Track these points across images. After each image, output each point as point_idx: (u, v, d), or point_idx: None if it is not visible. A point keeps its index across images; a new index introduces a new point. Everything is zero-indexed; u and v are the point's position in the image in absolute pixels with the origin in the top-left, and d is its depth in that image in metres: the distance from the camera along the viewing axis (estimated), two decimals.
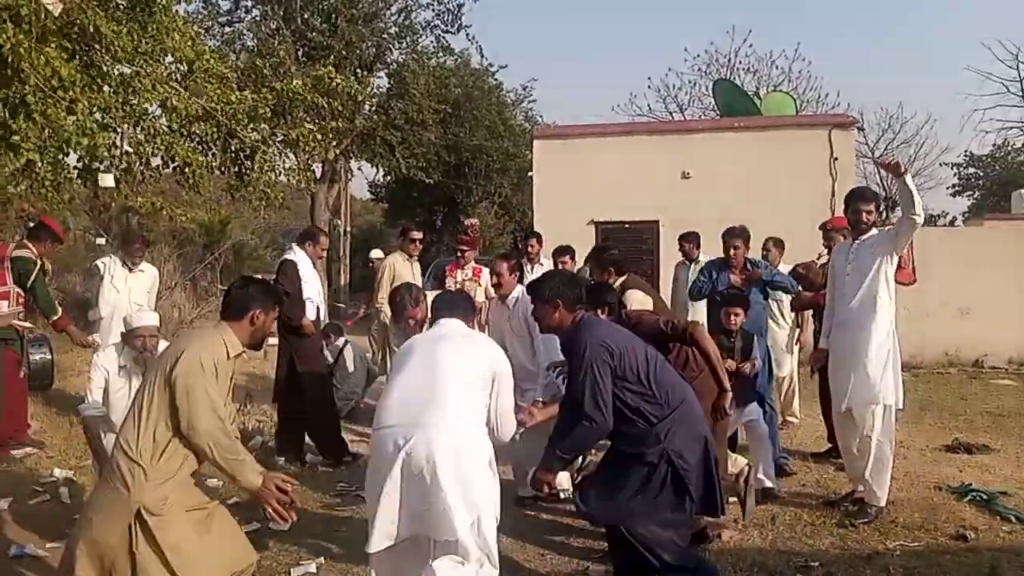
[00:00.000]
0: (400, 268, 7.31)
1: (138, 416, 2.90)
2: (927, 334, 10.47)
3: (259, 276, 3.87)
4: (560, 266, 6.88)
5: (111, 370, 4.73)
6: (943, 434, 6.87)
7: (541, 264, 7.44)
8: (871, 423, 4.57)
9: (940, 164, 27.01)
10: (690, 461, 3.36)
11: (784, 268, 6.74)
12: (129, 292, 6.94)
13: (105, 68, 7.23)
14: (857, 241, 4.73)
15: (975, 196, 29.55)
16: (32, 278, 6.03)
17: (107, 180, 7.35)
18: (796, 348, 7.29)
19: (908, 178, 4.34)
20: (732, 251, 5.73)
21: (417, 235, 7.64)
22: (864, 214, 4.71)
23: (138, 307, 6.74)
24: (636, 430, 3.39)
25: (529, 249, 7.61)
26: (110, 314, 6.80)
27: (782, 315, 7.07)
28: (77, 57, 6.95)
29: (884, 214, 17.29)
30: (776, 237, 7.37)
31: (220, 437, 2.84)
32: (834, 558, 4.12)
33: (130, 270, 7.00)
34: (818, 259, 6.87)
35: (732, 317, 5.05)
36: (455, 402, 3.11)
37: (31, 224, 7.39)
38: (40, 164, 6.43)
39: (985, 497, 4.91)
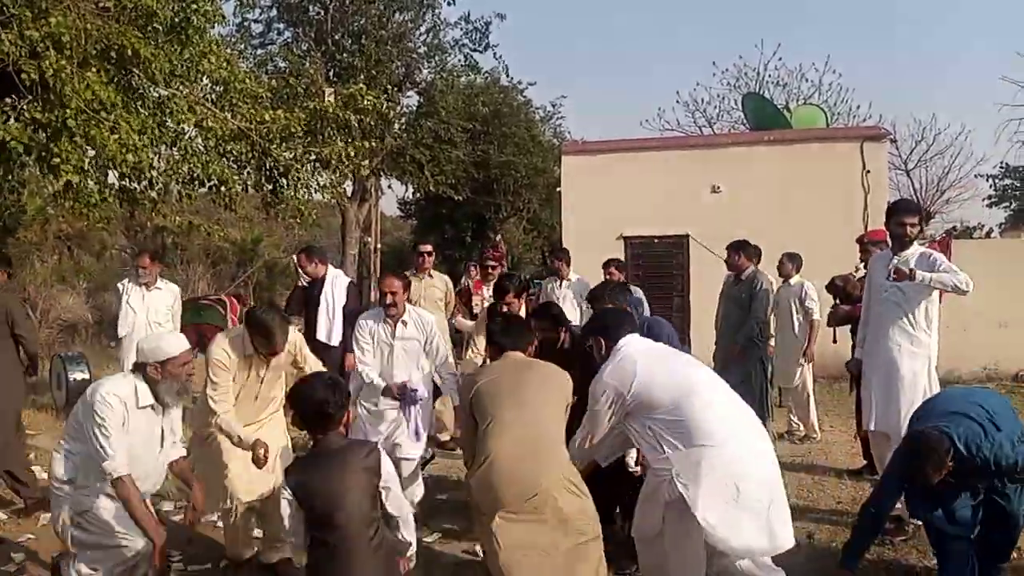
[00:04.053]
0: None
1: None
2: (965, 347, 10.24)
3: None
4: (609, 277, 6.78)
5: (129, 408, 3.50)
6: None
7: (569, 281, 7.43)
8: None
9: (976, 175, 26.50)
10: None
11: (818, 282, 6.72)
12: (147, 312, 6.81)
13: (142, 91, 7.39)
14: (897, 256, 4.67)
15: (1011, 207, 28.99)
16: None
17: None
18: (805, 362, 7.24)
19: (922, 275, 4.35)
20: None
21: (424, 248, 7.17)
22: (908, 227, 4.63)
23: (157, 325, 6.69)
24: None
25: (558, 268, 7.52)
26: (128, 334, 6.73)
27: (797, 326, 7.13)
28: (115, 80, 7.10)
29: (922, 227, 17.04)
30: (791, 252, 7.34)
31: None
32: None
33: (147, 288, 6.86)
34: (855, 272, 6.81)
35: None
36: None
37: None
38: (80, 184, 6.54)
39: None
